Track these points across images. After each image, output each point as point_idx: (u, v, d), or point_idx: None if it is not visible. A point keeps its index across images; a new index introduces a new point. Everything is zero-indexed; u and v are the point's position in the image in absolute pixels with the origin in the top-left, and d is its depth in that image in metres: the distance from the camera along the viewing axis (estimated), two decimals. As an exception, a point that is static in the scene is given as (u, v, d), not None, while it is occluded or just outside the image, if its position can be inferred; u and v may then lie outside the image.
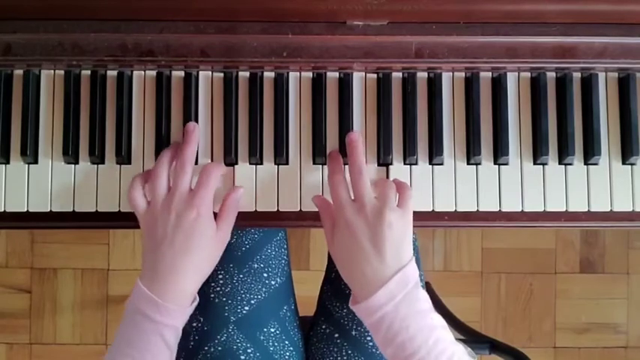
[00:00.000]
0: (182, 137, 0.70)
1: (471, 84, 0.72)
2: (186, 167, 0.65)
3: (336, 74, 0.72)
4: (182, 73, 0.71)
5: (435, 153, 0.71)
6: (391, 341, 0.61)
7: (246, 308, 0.76)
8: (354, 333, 0.77)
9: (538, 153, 0.71)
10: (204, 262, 0.66)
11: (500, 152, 0.71)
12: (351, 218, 0.63)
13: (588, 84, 0.72)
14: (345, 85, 0.71)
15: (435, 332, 0.61)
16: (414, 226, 0.66)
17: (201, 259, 0.65)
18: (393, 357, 0.62)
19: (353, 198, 0.65)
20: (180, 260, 0.63)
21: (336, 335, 0.78)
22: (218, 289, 0.75)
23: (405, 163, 0.71)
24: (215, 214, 0.67)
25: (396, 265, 0.62)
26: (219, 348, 0.74)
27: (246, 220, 0.70)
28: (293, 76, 0.72)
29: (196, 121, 0.71)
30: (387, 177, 0.71)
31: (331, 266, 0.85)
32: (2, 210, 0.70)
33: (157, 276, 0.63)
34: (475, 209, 0.71)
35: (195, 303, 0.67)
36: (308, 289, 0.88)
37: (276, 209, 0.71)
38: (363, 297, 0.62)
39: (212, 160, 0.71)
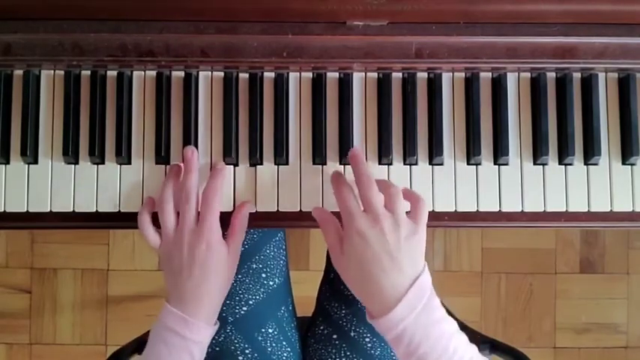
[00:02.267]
0: (182, 139, 0.70)
1: (471, 84, 0.71)
2: (191, 200, 0.66)
3: (336, 74, 0.72)
4: (182, 74, 0.71)
5: (435, 153, 0.71)
6: (413, 353, 0.60)
7: (244, 309, 0.76)
8: (352, 334, 0.77)
9: (538, 153, 0.71)
10: (222, 284, 0.67)
11: (500, 152, 0.71)
12: (366, 230, 0.61)
13: (588, 84, 0.72)
14: (345, 85, 0.71)
15: (453, 339, 0.60)
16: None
17: (220, 281, 0.67)
18: None
19: (362, 209, 0.64)
20: (201, 287, 0.65)
21: (335, 336, 0.78)
22: (218, 289, 0.75)
23: (405, 164, 0.71)
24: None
25: (413, 274, 0.61)
26: (217, 348, 0.74)
27: (246, 220, 0.71)
28: (293, 76, 0.72)
29: (196, 121, 0.71)
30: (388, 177, 0.71)
31: (330, 267, 0.84)
32: (2, 210, 0.70)
33: (183, 299, 0.65)
34: (475, 209, 0.71)
35: (218, 325, 0.68)
36: (307, 289, 0.88)
37: (276, 209, 0.71)
38: (382, 312, 0.60)
39: (212, 161, 0.71)
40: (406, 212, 0.64)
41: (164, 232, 0.67)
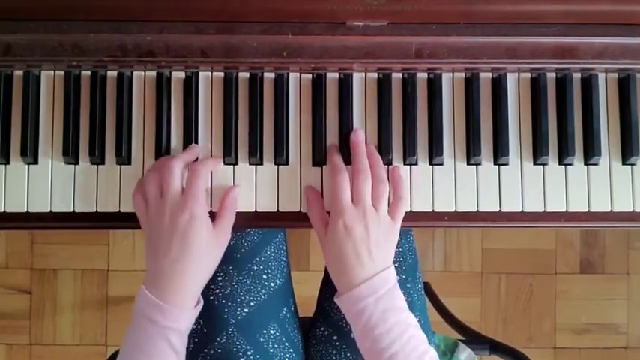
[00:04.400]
0: (182, 140, 0.71)
1: (471, 84, 0.71)
2: (174, 169, 0.65)
3: (336, 75, 0.72)
4: (182, 74, 0.71)
5: (435, 153, 0.71)
6: (369, 333, 0.64)
7: (246, 310, 0.75)
8: (352, 335, 0.77)
9: (538, 153, 0.71)
10: (203, 264, 0.66)
11: (500, 152, 0.71)
12: (353, 224, 0.65)
13: (588, 84, 0.72)
14: (345, 86, 0.71)
15: (409, 329, 0.64)
16: (414, 227, 0.67)
17: (200, 261, 0.65)
18: (369, 351, 0.64)
19: (352, 199, 0.66)
20: (178, 265, 0.63)
21: (335, 337, 0.78)
22: (217, 291, 0.75)
23: (405, 164, 0.71)
24: (213, 213, 0.68)
25: (382, 265, 0.66)
26: (219, 350, 0.74)
27: (246, 221, 0.70)
28: (293, 76, 0.72)
29: (196, 121, 0.71)
30: (387, 177, 0.71)
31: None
32: (2, 210, 0.70)
33: (159, 281, 0.63)
34: (475, 210, 0.71)
35: (200, 305, 0.67)
36: (308, 290, 0.88)
37: (276, 210, 0.71)
38: (348, 289, 0.66)
39: (212, 161, 0.71)
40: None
41: (148, 202, 0.65)
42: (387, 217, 0.67)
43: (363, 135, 0.70)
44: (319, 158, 0.71)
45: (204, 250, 0.65)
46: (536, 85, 0.72)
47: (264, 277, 0.78)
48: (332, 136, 0.71)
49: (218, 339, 0.74)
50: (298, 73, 0.72)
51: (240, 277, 0.77)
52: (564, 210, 0.71)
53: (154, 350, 0.62)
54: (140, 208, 0.66)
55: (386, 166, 0.71)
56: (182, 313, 0.63)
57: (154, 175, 0.66)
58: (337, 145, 0.71)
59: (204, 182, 0.67)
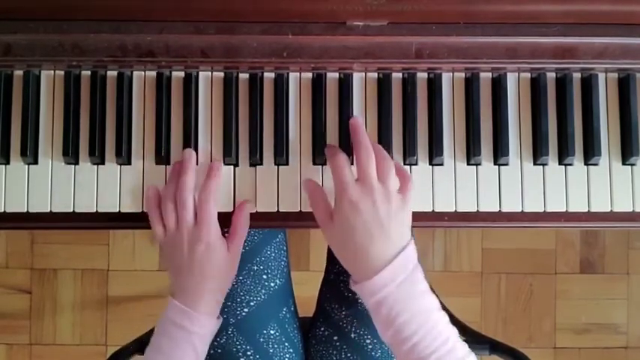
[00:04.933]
0: (182, 140, 0.70)
1: (471, 84, 0.71)
2: (186, 201, 0.67)
3: (336, 74, 0.72)
4: (182, 74, 0.71)
5: (435, 153, 0.71)
6: (392, 323, 0.61)
7: (246, 310, 0.76)
8: (352, 335, 0.77)
9: (538, 153, 0.71)
10: (222, 281, 0.69)
11: (500, 152, 0.71)
12: (358, 199, 0.62)
13: (588, 84, 0.72)
14: (345, 86, 0.71)
15: (432, 315, 0.62)
16: (414, 227, 0.67)
17: (219, 279, 0.68)
18: (392, 339, 0.62)
19: (356, 178, 0.64)
20: (200, 285, 0.67)
21: (335, 338, 0.78)
22: (218, 290, 0.75)
23: (405, 164, 0.71)
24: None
25: (400, 244, 0.63)
26: (219, 350, 0.74)
27: (246, 220, 0.70)
28: (293, 76, 0.72)
29: (196, 121, 0.71)
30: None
31: (330, 268, 0.84)
32: (2, 210, 0.70)
33: (185, 294, 0.67)
34: (475, 210, 0.71)
35: (221, 320, 0.70)
36: (308, 290, 0.88)
37: (276, 210, 0.71)
38: (366, 276, 0.62)
39: (211, 161, 0.70)
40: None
41: (167, 229, 0.68)
42: (396, 194, 0.64)
43: (361, 119, 0.69)
44: (319, 158, 0.71)
45: (221, 271, 0.68)
46: (536, 85, 0.72)
47: (264, 277, 0.78)
48: (332, 136, 0.71)
49: (218, 339, 0.74)
50: (298, 73, 0.72)
51: (240, 277, 0.77)
52: (564, 210, 0.71)
53: (177, 353, 0.65)
54: (160, 235, 0.69)
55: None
56: (207, 320, 0.66)
57: (172, 208, 0.67)
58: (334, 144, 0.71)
59: (213, 204, 0.67)
